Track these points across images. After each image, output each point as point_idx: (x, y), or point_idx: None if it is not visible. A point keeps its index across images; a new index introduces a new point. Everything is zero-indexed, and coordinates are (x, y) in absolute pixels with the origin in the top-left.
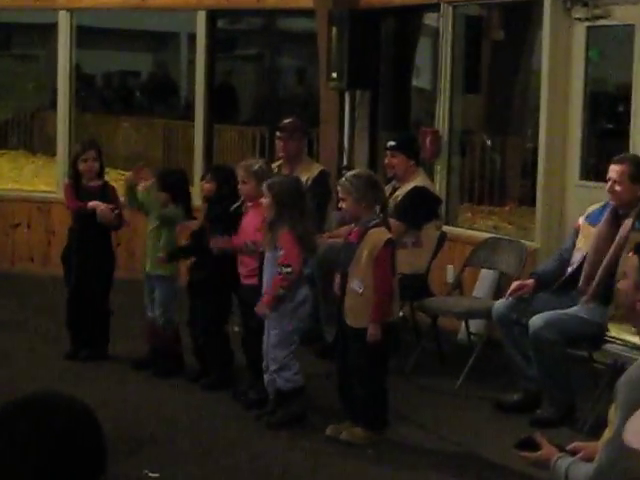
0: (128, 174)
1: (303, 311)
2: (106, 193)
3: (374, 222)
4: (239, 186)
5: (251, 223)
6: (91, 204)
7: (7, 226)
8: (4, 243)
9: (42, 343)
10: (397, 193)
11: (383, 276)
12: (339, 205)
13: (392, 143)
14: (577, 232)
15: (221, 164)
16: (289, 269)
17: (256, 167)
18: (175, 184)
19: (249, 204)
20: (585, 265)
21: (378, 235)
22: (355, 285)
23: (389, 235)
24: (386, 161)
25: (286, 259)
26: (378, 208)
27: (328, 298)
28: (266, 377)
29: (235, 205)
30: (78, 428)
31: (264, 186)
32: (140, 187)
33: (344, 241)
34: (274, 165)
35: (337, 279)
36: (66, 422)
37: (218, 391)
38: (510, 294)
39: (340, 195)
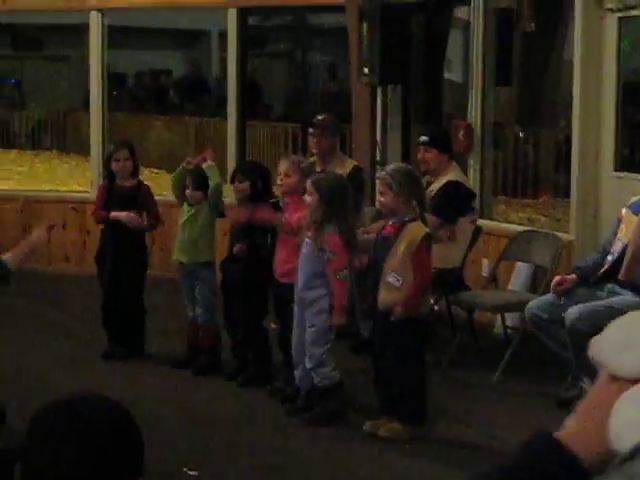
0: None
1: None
2: (141, 193)
3: (411, 217)
4: (280, 179)
5: (291, 219)
6: (114, 215)
7: (44, 226)
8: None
9: (79, 344)
10: (431, 188)
11: (422, 270)
12: (377, 199)
13: (425, 138)
14: (619, 222)
15: (251, 160)
16: (345, 272)
17: (304, 164)
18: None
19: (287, 200)
20: (626, 255)
21: (416, 229)
22: (391, 279)
23: (427, 230)
24: (419, 156)
25: (340, 264)
26: (415, 203)
27: (363, 293)
28: (297, 373)
29: (273, 200)
30: (116, 430)
31: (309, 183)
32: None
33: (378, 234)
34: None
35: (364, 260)
36: (105, 423)
37: (256, 387)
38: (553, 289)
39: (379, 189)
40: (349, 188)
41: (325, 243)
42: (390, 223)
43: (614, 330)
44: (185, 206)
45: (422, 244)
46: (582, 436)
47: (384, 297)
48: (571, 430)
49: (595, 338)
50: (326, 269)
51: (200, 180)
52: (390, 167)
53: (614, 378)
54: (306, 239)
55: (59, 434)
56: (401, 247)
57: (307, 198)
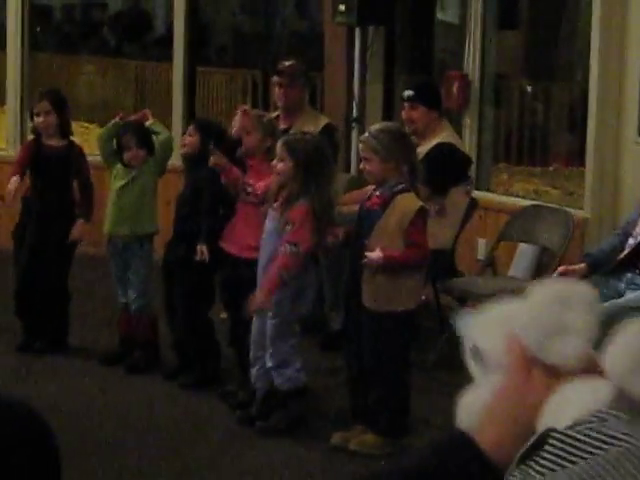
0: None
1: (306, 297)
2: (71, 156)
3: (401, 186)
4: (243, 139)
5: (255, 187)
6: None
7: None
8: None
9: None
10: (418, 151)
11: (420, 245)
12: (361, 166)
13: (410, 92)
14: None
15: (206, 118)
16: (295, 248)
17: (266, 119)
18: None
19: (249, 162)
20: None
21: (408, 202)
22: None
23: (421, 202)
24: (404, 114)
25: (294, 236)
26: (406, 169)
27: (334, 278)
28: (254, 372)
29: (239, 154)
30: (28, 444)
31: (281, 146)
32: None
33: (361, 207)
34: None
35: (337, 232)
36: (13, 437)
37: (201, 390)
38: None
39: (362, 154)
40: (329, 153)
41: (289, 216)
42: (377, 194)
43: (544, 312)
44: (119, 168)
45: (416, 219)
46: (493, 431)
47: (367, 282)
48: (481, 426)
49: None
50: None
51: (142, 136)
52: (375, 127)
53: (536, 368)
54: (270, 211)
55: None
56: (390, 222)
57: (278, 164)
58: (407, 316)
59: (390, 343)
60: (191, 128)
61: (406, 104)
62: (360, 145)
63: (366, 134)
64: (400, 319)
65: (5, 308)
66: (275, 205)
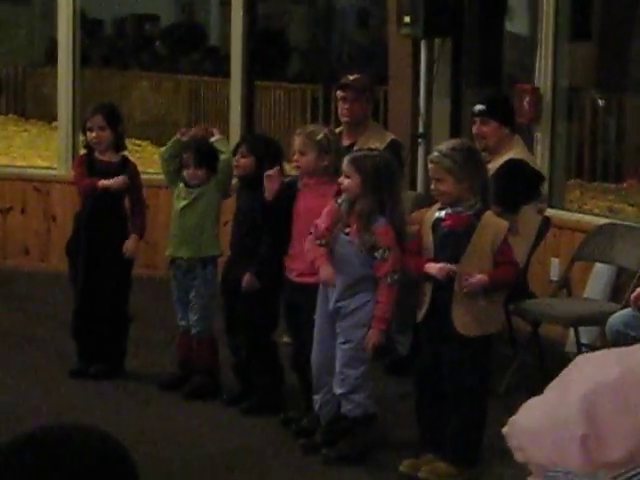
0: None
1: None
2: (124, 173)
3: (479, 205)
4: (295, 157)
5: (309, 207)
6: (103, 183)
7: None
8: None
9: (42, 357)
10: (488, 168)
11: (512, 266)
12: (433, 187)
13: (481, 107)
14: None
15: (260, 134)
16: (397, 275)
17: (320, 136)
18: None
19: (306, 182)
20: None
21: (497, 221)
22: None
23: (506, 221)
24: (474, 130)
25: (395, 264)
26: (479, 188)
27: (401, 302)
28: (318, 398)
29: (288, 179)
30: (109, 473)
31: (347, 164)
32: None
33: (436, 230)
34: None
35: (435, 268)
36: (95, 465)
37: (264, 416)
38: (633, 304)
39: (434, 174)
40: (397, 169)
41: (377, 239)
42: (449, 213)
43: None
44: (181, 188)
45: (506, 239)
46: None
47: (459, 305)
48: None
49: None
50: (376, 271)
51: (203, 155)
52: (445, 146)
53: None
54: (342, 235)
55: (38, 475)
56: (482, 243)
57: (344, 181)
58: (492, 340)
59: (475, 369)
60: (243, 149)
61: (477, 119)
62: (431, 165)
63: (436, 153)
64: (487, 343)
65: (60, 333)
66: (349, 229)
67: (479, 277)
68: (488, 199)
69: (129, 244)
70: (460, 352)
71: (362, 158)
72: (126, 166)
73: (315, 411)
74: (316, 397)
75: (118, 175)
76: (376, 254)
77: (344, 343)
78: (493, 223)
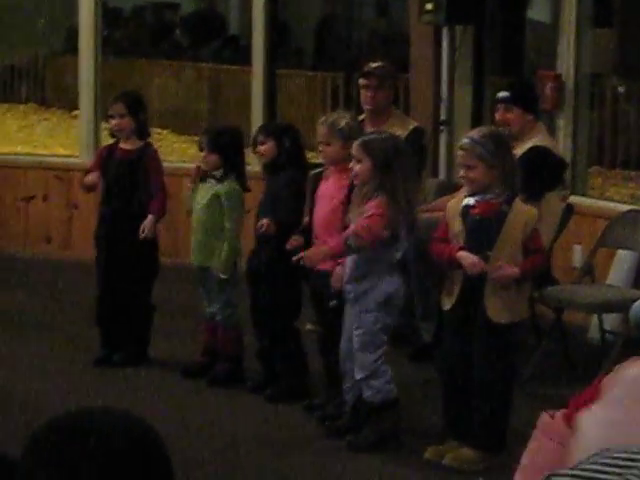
0: (189, 185)
1: (393, 305)
2: (142, 159)
3: (508, 193)
4: (320, 148)
5: (333, 194)
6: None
7: (17, 199)
8: (15, 220)
9: (65, 346)
10: None
11: (542, 254)
12: (462, 174)
13: (505, 94)
14: None
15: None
16: (355, 239)
17: (342, 124)
18: (228, 145)
19: (331, 168)
20: None
21: (528, 210)
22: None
23: (535, 209)
24: (498, 116)
25: (368, 220)
26: (509, 175)
27: (425, 287)
28: (345, 383)
29: (317, 170)
30: (142, 455)
31: (357, 147)
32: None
33: (465, 218)
34: None
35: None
36: (128, 447)
37: (288, 403)
38: None
39: (464, 161)
40: (409, 152)
41: (366, 209)
42: (476, 201)
43: None
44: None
45: (537, 227)
46: None
47: (491, 292)
48: None
49: None
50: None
51: (217, 143)
52: (476, 133)
53: None
54: (349, 215)
55: (69, 461)
56: (514, 231)
57: (356, 166)
58: (521, 326)
59: (504, 356)
60: (260, 136)
61: (500, 106)
62: (461, 152)
63: (467, 140)
64: (517, 329)
65: (83, 321)
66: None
67: (511, 270)
68: (516, 186)
69: (146, 224)
70: (491, 339)
71: (370, 141)
72: (144, 152)
73: (339, 397)
74: (344, 385)
75: (136, 162)
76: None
77: (357, 329)
78: (524, 211)
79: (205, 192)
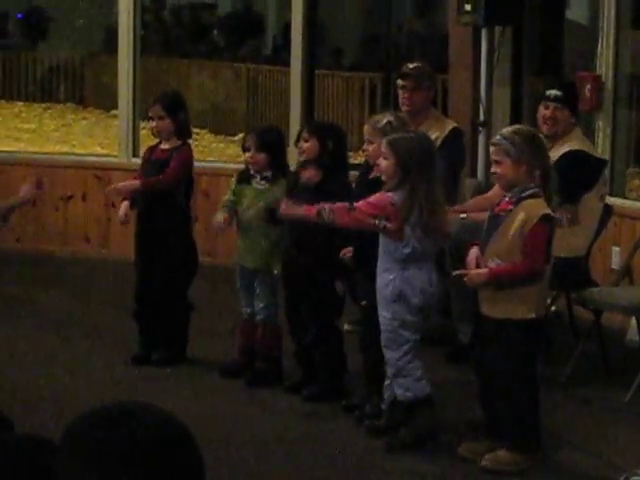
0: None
1: (409, 301)
2: (173, 156)
3: (530, 191)
4: (365, 146)
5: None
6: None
7: (57, 198)
8: (53, 219)
9: (103, 344)
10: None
11: (533, 260)
12: (492, 169)
13: (558, 93)
14: None
15: (318, 120)
16: (329, 213)
17: (384, 122)
18: (275, 144)
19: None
20: None
21: (533, 207)
22: (494, 264)
23: (547, 210)
24: (548, 113)
25: (364, 205)
26: (539, 174)
27: (462, 289)
28: (385, 383)
29: (376, 174)
30: (175, 453)
31: (384, 143)
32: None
33: (490, 214)
34: None
35: (472, 253)
36: (161, 443)
37: (326, 403)
38: None
39: (493, 157)
40: (434, 152)
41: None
42: (506, 199)
43: None
44: (247, 191)
45: (539, 227)
46: None
47: (484, 288)
48: None
49: None
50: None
51: (265, 142)
52: (507, 129)
53: None
54: None
55: (103, 455)
56: (512, 226)
57: (382, 163)
58: (528, 326)
59: (510, 352)
60: (305, 133)
61: (551, 104)
62: (491, 148)
63: (498, 136)
64: (520, 328)
65: (121, 320)
66: None
67: (475, 272)
68: (549, 187)
69: (121, 184)
70: (490, 335)
71: (396, 139)
72: (174, 150)
73: (377, 396)
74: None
75: (168, 161)
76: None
77: (381, 325)
78: (528, 209)
79: (255, 194)
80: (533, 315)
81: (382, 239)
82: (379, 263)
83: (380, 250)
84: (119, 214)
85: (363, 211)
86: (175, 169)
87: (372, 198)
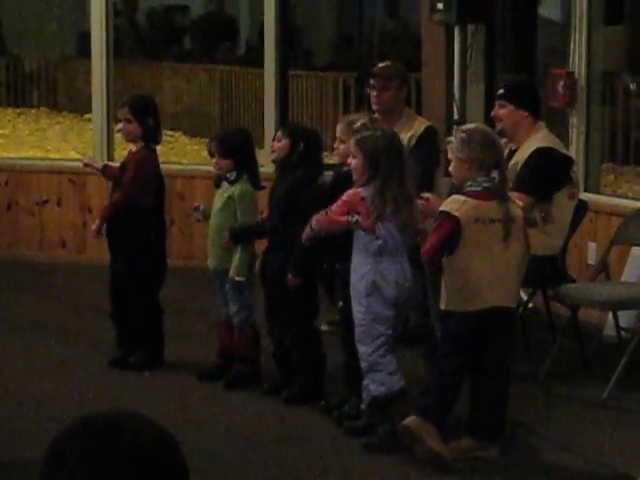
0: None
1: (383, 294)
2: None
3: (470, 188)
4: (335, 145)
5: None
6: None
7: (32, 204)
8: (29, 225)
9: (81, 348)
10: (515, 160)
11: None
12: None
13: (500, 91)
14: None
15: (295, 123)
16: (315, 227)
17: (359, 125)
18: (238, 148)
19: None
20: None
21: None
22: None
23: (448, 207)
24: (492, 113)
25: (336, 205)
26: (496, 173)
27: (439, 287)
28: (364, 383)
29: (345, 169)
30: (162, 460)
31: (352, 142)
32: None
33: None
34: None
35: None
36: (148, 451)
37: (305, 405)
38: None
39: (449, 155)
40: (402, 148)
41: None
42: None
43: None
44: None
45: (438, 219)
46: None
47: None
48: None
49: None
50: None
51: (228, 147)
52: (461, 127)
53: None
54: None
55: (88, 466)
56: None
57: (352, 162)
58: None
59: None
60: (279, 133)
61: (497, 102)
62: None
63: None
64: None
65: (98, 324)
66: None
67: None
68: (503, 185)
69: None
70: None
71: (364, 137)
72: (135, 155)
73: (356, 397)
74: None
75: (126, 168)
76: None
77: (355, 321)
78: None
79: (219, 196)
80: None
81: (356, 235)
82: (353, 259)
83: (354, 247)
84: (92, 228)
85: (336, 210)
86: (128, 182)
87: (343, 196)
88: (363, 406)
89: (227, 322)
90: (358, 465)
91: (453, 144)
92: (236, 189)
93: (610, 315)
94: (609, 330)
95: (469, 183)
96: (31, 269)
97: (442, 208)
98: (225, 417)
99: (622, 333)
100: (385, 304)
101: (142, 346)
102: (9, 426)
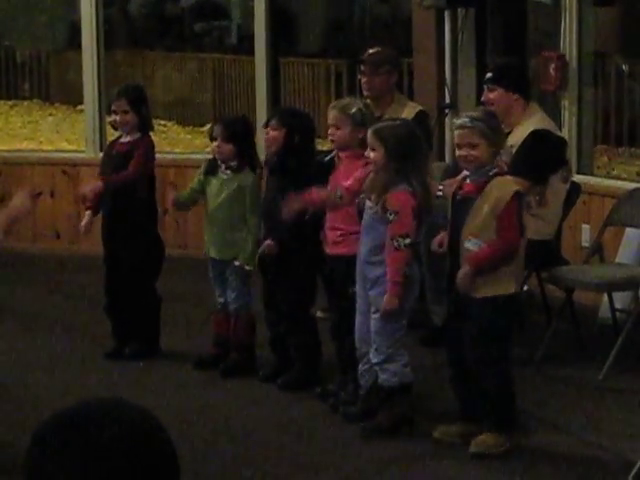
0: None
1: (412, 290)
2: (134, 150)
3: (496, 169)
4: (330, 131)
5: (345, 179)
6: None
7: (25, 193)
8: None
9: (75, 340)
10: (510, 143)
11: (509, 233)
12: (464, 153)
13: (488, 75)
14: None
15: (292, 108)
16: (408, 240)
17: (354, 109)
18: (242, 134)
19: (342, 155)
20: None
21: (505, 186)
22: (471, 245)
23: (517, 186)
24: (482, 97)
25: (402, 227)
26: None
27: (436, 271)
28: (361, 367)
29: (330, 155)
30: (148, 448)
31: (371, 135)
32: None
33: (454, 196)
34: None
35: (440, 236)
36: (134, 440)
37: (301, 391)
38: None
39: (466, 140)
40: (422, 137)
41: (388, 202)
42: (468, 181)
43: None
44: (214, 181)
45: (512, 204)
46: None
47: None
48: None
49: None
50: (387, 233)
51: (232, 133)
52: (474, 112)
53: None
54: (367, 202)
55: (73, 454)
56: (485, 207)
57: (370, 154)
58: (508, 302)
59: (491, 331)
60: (274, 122)
61: (485, 86)
62: (462, 131)
63: (466, 119)
64: (501, 305)
65: (92, 315)
66: (372, 197)
67: (462, 272)
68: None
69: (88, 189)
70: (471, 315)
71: (383, 128)
72: (135, 143)
73: (352, 383)
74: (360, 366)
75: (129, 154)
76: (388, 215)
77: (375, 312)
78: (500, 187)
79: (222, 184)
80: (513, 290)
81: (381, 230)
82: (373, 251)
83: (371, 240)
84: (81, 224)
85: (405, 220)
86: (139, 162)
87: (405, 212)
88: (362, 392)
89: (223, 310)
90: (354, 450)
91: (480, 128)
92: (246, 179)
93: (605, 297)
94: (604, 312)
95: (494, 165)
96: (25, 261)
97: (517, 188)
98: (221, 405)
99: (617, 314)
100: (413, 297)
101: (137, 336)
102: (6, 418)
